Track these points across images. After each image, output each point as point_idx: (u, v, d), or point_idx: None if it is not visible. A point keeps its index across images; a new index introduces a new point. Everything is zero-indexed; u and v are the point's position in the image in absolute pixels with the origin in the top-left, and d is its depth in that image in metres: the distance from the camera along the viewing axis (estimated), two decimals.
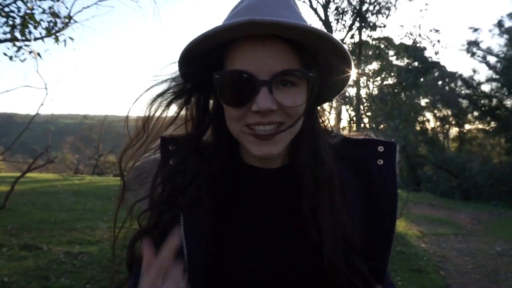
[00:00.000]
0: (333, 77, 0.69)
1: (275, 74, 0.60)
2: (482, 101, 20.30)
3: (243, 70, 0.60)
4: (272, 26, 0.56)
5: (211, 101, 0.74)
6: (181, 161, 0.69)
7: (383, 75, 18.77)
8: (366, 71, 17.81)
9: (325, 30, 0.61)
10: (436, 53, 11.50)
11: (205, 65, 0.66)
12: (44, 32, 4.29)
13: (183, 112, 0.73)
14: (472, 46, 19.80)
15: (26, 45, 4.19)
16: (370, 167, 0.73)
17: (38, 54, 4.24)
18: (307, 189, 0.68)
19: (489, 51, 19.56)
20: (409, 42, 11.82)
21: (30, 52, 4.22)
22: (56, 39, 4.36)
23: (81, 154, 22.14)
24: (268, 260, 0.67)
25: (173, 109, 0.73)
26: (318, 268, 0.66)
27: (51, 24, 4.32)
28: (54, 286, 3.18)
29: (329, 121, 0.77)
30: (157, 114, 0.71)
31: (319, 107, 0.75)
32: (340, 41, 0.61)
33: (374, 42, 14.81)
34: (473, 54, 19.93)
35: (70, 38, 4.54)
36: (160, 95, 0.70)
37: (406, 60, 16.92)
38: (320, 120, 0.74)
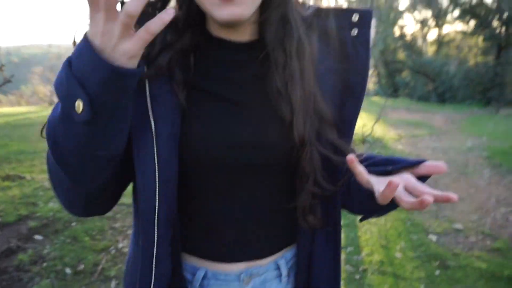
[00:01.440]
0: None
1: None
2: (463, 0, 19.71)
3: None
4: None
5: None
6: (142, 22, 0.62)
7: None
8: None
9: None
10: None
11: None
12: None
13: None
14: None
15: None
16: (343, 38, 0.69)
17: None
18: (277, 61, 0.65)
19: None
20: None
21: None
22: None
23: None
24: (239, 134, 0.65)
25: None
26: (289, 142, 0.65)
27: None
28: (42, 210, 3.24)
29: None
30: None
31: None
32: None
33: None
34: None
35: None
36: None
37: None
38: None
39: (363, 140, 6.16)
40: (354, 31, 0.69)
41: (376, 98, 15.08)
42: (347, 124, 0.70)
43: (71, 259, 2.59)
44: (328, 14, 0.70)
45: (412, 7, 22.33)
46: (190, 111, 0.64)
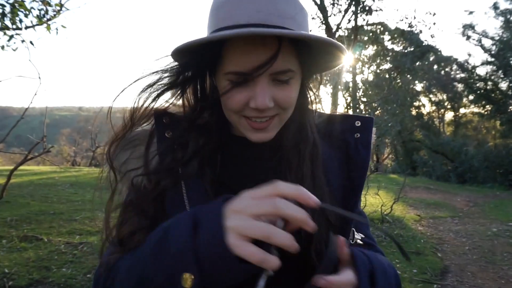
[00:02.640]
0: (326, 61, 0.72)
1: (272, 74, 0.62)
2: (478, 85, 20.30)
3: (243, 71, 0.61)
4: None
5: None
6: (180, 134, 0.71)
7: (378, 60, 18.68)
8: (362, 56, 17.70)
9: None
10: (432, 36, 11.45)
11: (203, 55, 0.66)
12: (35, 21, 4.22)
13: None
14: (467, 29, 19.71)
15: (17, 34, 4.12)
16: (347, 140, 0.78)
17: (31, 42, 4.15)
18: (291, 161, 0.73)
19: (484, 34, 19.48)
20: (404, 26, 11.72)
21: (23, 41, 4.13)
22: (48, 28, 4.27)
23: (78, 146, 22.06)
24: None
25: (162, 100, 0.72)
26: (298, 238, 0.68)
27: (42, 12, 4.24)
28: (55, 276, 3.20)
29: (315, 99, 0.79)
30: (146, 105, 0.71)
31: (307, 86, 0.77)
32: (338, 43, 0.62)
33: (369, 28, 14.68)
34: (468, 38, 19.84)
35: (63, 26, 4.43)
36: (150, 85, 0.69)
37: (401, 45, 16.85)
38: (308, 97, 0.77)
39: (382, 219, 6.00)
40: (357, 135, 0.78)
41: (394, 176, 14.94)
42: (345, 222, 0.75)
43: None
44: (334, 120, 0.81)
45: (427, 90, 23.07)
46: None
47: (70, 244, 3.97)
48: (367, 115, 0.81)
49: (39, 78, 3.68)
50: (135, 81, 0.69)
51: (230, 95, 0.64)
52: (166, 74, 0.69)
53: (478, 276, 4.03)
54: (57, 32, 4.43)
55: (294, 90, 0.66)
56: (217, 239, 0.48)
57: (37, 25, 4.31)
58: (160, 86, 0.69)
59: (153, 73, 0.69)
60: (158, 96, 0.70)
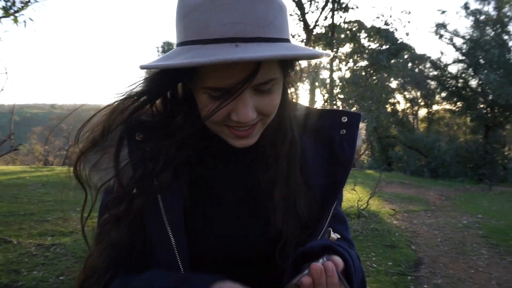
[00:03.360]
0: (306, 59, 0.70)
1: (254, 85, 0.58)
2: (450, 82, 20.95)
3: (223, 87, 0.57)
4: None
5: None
6: (150, 141, 0.66)
7: (355, 58, 18.98)
8: (339, 54, 17.92)
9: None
10: (407, 34, 11.74)
11: (176, 70, 0.60)
12: (1, 12, 4.03)
13: None
14: (440, 28, 20.29)
15: None
16: (332, 136, 0.75)
17: None
18: (267, 160, 0.70)
19: (455, 33, 20.12)
20: (380, 23, 11.96)
21: None
22: (15, 20, 4.09)
23: (50, 145, 21.34)
24: (225, 229, 0.69)
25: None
26: (268, 237, 0.69)
27: (9, 4, 4.06)
28: (25, 279, 3.08)
29: (295, 93, 0.74)
30: (117, 122, 0.65)
31: (287, 81, 0.73)
32: (320, 52, 0.59)
33: (346, 26, 14.90)
34: (441, 36, 20.44)
35: (31, 19, 4.27)
36: (121, 106, 0.65)
37: (377, 42, 17.18)
38: (288, 91, 0.72)
39: (359, 214, 6.11)
40: (343, 131, 0.74)
41: (370, 171, 15.25)
42: (320, 221, 0.72)
43: None
44: (319, 115, 0.77)
45: (402, 87, 23.63)
46: (191, 210, 0.68)
47: (41, 246, 3.83)
48: (354, 111, 0.78)
49: (6, 73, 3.52)
50: (104, 108, 0.65)
51: (210, 109, 0.60)
52: (135, 97, 0.63)
53: (450, 266, 4.17)
54: (25, 25, 4.25)
55: (277, 96, 0.63)
56: None
57: (3, 17, 4.12)
58: (131, 104, 0.64)
59: (122, 99, 0.64)
60: (130, 115, 0.64)
